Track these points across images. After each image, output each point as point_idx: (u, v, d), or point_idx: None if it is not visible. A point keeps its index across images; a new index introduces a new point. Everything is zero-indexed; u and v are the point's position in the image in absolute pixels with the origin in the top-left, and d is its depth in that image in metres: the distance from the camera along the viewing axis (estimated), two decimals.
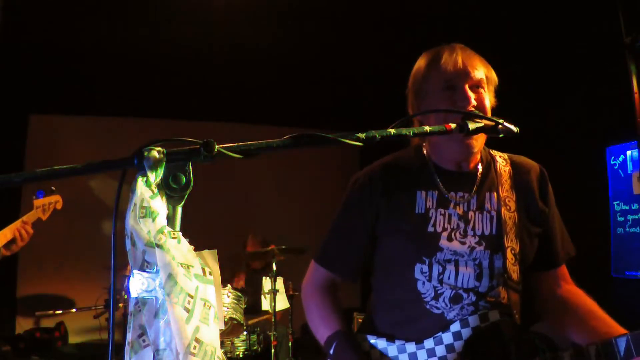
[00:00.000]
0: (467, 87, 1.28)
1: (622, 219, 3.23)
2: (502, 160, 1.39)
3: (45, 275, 5.49)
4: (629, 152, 3.19)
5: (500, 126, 1.07)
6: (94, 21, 4.10)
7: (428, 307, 1.25)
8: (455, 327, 1.20)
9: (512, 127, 1.07)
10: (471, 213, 1.30)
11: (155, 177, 0.74)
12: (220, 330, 0.75)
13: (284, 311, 4.35)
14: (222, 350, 3.77)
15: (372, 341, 1.30)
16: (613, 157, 3.31)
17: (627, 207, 3.19)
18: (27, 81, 5.07)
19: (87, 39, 4.35)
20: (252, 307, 4.37)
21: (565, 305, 1.35)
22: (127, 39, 4.34)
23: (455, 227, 1.28)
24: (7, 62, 4.49)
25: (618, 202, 3.26)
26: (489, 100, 1.32)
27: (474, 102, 1.26)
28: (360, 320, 4.60)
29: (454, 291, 1.24)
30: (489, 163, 1.38)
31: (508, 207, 1.31)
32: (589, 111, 3.26)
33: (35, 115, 5.76)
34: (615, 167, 3.28)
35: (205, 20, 4.11)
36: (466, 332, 1.19)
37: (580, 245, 1.42)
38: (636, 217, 3.12)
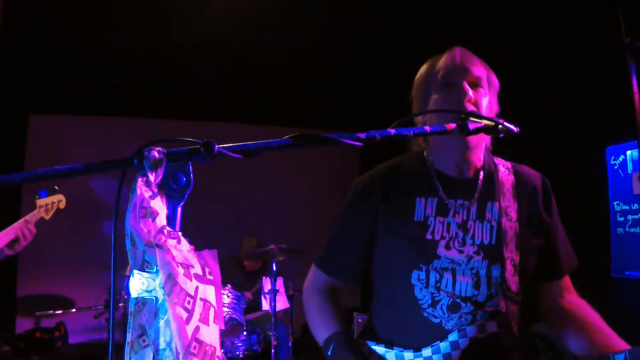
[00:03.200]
0: (465, 82, 1.27)
1: (622, 219, 3.22)
2: (504, 169, 1.38)
3: (45, 275, 5.48)
4: (629, 152, 3.19)
5: (500, 126, 1.06)
6: (95, 21, 4.10)
7: (425, 314, 1.23)
8: (453, 336, 1.19)
9: (512, 127, 1.06)
10: (470, 222, 1.28)
11: (155, 177, 0.74)
12: (220, 330, 0.75)
13: (284, 311, 4.35)
14: (222, 350, 3.77)
15: (372, 347, 1.30)
16: (613, 157, 3.30)
17: (627, 207, 3.18)
18: (27, 81, 5.07)
19: (87, 39, 4.35)
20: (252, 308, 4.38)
21: (566, 316, 1.32)
22: (127, 39, 4.34)
23: (453, 235, 1.26)
24: (7, 62, 4.49)
25: (618, 202, 3.25)
26: (488, 102, 1.30)
27: (471, 96, 1.25)
28: (360, 321, 4.61)
29: (451, 299, 1.22)
30: (491, 171, 1.36)
31: (509, 217, 1.29)
32: (589, 111, 3.25)
33: (35, 115, 5.76)
34: (615, 167, 3.28)
35: (206, 20, 4.11)
36: (464, 342, 1.18)
37: (580, 245, 1.41)
38: (636, 217, 3.12)
